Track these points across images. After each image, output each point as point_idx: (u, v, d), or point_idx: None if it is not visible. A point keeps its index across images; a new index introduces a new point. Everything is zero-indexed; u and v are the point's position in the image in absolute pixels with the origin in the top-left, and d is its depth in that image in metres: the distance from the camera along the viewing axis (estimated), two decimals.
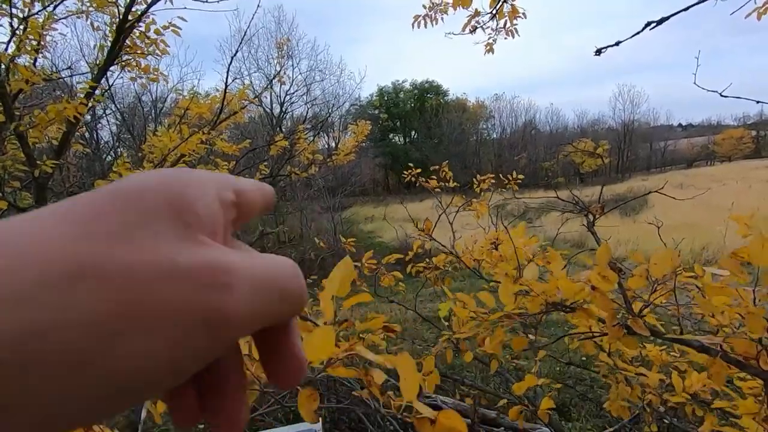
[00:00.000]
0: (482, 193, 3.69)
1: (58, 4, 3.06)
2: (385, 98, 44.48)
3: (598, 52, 2.45)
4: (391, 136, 45.78)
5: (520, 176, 3.78)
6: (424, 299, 9.42)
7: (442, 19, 3.14)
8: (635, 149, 50.29)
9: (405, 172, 4.09)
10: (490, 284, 2.26)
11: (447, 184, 3.87)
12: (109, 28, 3.01)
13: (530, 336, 1.56)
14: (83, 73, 3.57)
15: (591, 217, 1.72)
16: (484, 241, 2.36)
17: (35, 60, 3.14)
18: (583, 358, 5.25)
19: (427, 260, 3.02)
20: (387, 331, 0.97)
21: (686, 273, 1.09)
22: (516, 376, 3.99)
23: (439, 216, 3.16)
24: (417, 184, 3.97)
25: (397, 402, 0.81)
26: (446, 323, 1.89)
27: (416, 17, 3.20)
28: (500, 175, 3.87)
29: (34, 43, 3.04)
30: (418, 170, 4.00)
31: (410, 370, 0.74)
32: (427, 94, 45.10)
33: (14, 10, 2.75)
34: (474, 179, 3.82)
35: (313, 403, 0.82)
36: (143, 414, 0.79)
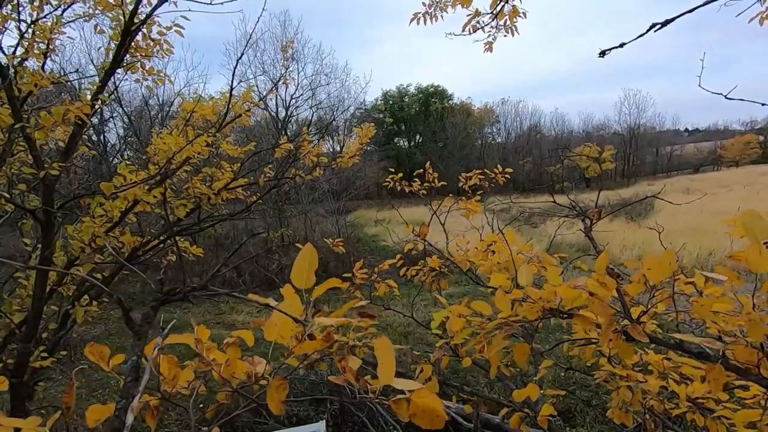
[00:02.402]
0: (474, 193, 3.58)
1: (66, 8, 3.09)
2: (390, 102, 44.55)
3: (602, 53, 2.45)
4: (396, 139, 45.83)
5: (509, 169, 3.65)
6: (428, 303, 9.38)
7: (441, 17, 3.15)
8: (641, 154, 50.02)
9: (388, 179, 4.05)
10: (488, 290, 2.24)
11: (432, 184, 3.81)
12: (112, 31, 3.03)
13: (533, 345, 1.54)
14: (91, 76, 3.61)
15: (588, 222, 1.71)
16: (478, 242, 2.34)
17: (44, 63, 3.18)
18: (588, 365, 5.20)
19: (422, 262, 3.00)
20: (362, 317, 0.98)
21: (685, 279, 1.08)
22: (521, 381, 3.96)
23: (431, 218, 3.14)
24: (399, 189, 3.95)
25: (373, 385, 0.82)
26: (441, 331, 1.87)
27: (415, 14, 3.22)
28: (486, 170, 3.74)
29: (43, 46, 3.08)
30: (400, 175, 3.98)
31: (387, 353, 0.75)
32: (432, 98, 45.12)
33: (22, 15, 2.79)
34: (460, 176, 3.71)
35: (282, 393, 0.82)
36: (129, 420, 0.79)
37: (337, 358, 0.87)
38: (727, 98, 2.09)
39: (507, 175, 3.60)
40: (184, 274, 1.54)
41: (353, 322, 0.96)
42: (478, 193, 3.56)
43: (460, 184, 3.65)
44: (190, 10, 2.83)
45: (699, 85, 2.13)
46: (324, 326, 0.87)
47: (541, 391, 1.84)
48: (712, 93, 2.07)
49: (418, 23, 3.24)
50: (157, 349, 0.88)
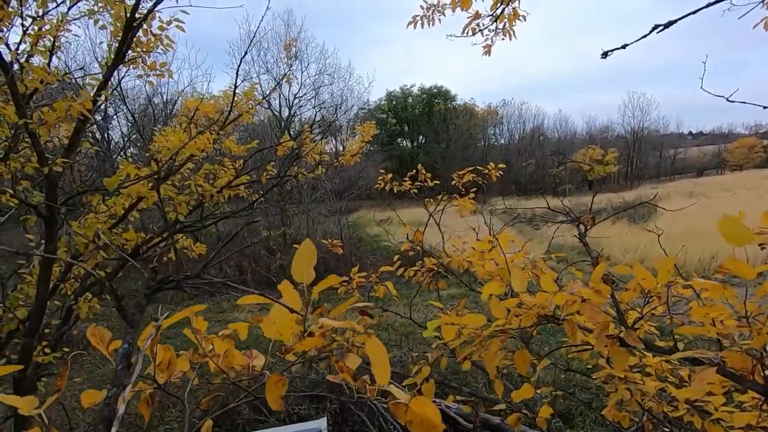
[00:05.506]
0: (467, 191, 3.61)
1: (72, 6, 3.11)
2: (394, 103, 44.53)
3: (605, 54, 2.44)
4: (399, 140, 45.81)
5: (501, 165, 3.68)
6: (428, 303, 9.38)
7: (439, 20, 3.12)
8: (645, 157, 49.86)
9: (379, 180, 4.10)
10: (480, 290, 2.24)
11: (424, 184, 3.86)
12: (113, 26, 3.04)
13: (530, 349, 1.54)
14: (96, 74, 3.62)
15: (582, 228, 1.71)
16: (475, 243, 2.34)
17: (50, 60, 3.20)
18: (588, 366, 5.19)
19: (420, 263, 3.01)
20: (363, 315, 0.98)
21: (683, 282, 1.08)
22: (519, 381, 3.96)
23: (428, 220, 3.15)
24: (389, 190, 3.99)
25: (372, 387, 0.80)
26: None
27: (414, 18, 3.18)
28: (479, 167, 3.75)
29: (49, 43, 3.09)
30: (390, 175, 4.06)
31: (380, 354, 0.72)
32: (436, 99, 45.06)
33: (27, 10, 2.81)
34: (454, 176, 3.73)
35: (281, 388, 0.80)
36: (120, 409, 0.79)
37: (335, 359, 0.86)
38: (729, 101, 2.09)
39: (500, 172, 3.63)
40: (180, 264, 1.54)
41: (354, 325, 0.92)
42: (472, 190, 3.58)
43: (453, 182, 3.68)
44: (191, 5, 2.85)
45: (701, 88, 2.13)
46: (324, 326, 0.84)
47: (538, 391, 1.84)
48: (714, 95, 2.07)
49: (415, 27, 3.20)
50: (150, 338, 0.85)
